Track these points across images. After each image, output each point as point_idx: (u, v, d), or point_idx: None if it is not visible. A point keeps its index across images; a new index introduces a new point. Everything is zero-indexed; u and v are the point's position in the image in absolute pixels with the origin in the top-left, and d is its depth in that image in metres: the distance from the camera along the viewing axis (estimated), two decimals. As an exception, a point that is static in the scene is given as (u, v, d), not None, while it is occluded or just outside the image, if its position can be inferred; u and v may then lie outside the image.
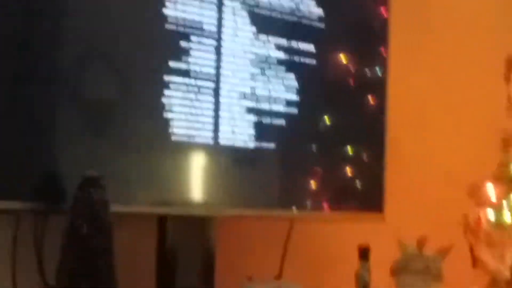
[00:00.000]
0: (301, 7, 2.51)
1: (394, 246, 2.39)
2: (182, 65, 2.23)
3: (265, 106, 2.41)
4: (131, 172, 2.12)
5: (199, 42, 2.27)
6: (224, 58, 2.32)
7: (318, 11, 2.56)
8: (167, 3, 2.20)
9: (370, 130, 2.71)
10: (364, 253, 2.41)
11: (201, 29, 2.28)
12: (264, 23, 2.42)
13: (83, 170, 1.91)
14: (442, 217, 2.76)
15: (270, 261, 2.54)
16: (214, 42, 2.30)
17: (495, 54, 2.74)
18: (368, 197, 2.67)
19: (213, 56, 2.30)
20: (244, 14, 2.38)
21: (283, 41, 2.46)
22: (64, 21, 2.03)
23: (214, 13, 2.30)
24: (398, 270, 2.39)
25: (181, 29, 2.23)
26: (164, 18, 2.20)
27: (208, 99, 2.28)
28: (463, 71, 3.12)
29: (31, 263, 2.04)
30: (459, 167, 3.01)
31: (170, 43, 2.22)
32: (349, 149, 2.64)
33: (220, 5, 2.31)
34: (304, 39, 2.51)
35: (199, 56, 2.27)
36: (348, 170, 2.63)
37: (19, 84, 1.94)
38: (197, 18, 2.26)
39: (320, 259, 2.79)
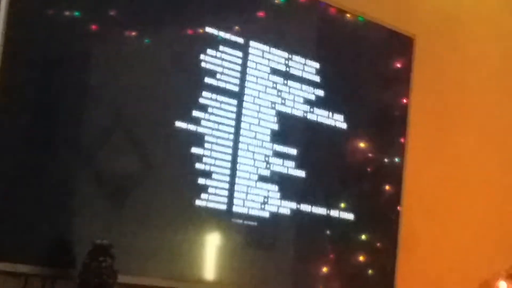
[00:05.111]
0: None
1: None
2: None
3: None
4: (143, 244, 2.12)
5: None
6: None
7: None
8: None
9: (385, 219, 2.72)
10: None
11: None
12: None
13: (94, 238, 1.92)
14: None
15: None
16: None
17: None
18: (379, 285, 2.66)
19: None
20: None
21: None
22: (89, 94, 2.07)
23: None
24: None
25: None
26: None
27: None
28: (482, 161, 3.09)
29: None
30: (473, 263, 2.97)
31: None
32: (363, 237, 2.64)
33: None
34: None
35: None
36: (361, 258, 2.62)
37: (40, 150, 1.97)
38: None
39: None
